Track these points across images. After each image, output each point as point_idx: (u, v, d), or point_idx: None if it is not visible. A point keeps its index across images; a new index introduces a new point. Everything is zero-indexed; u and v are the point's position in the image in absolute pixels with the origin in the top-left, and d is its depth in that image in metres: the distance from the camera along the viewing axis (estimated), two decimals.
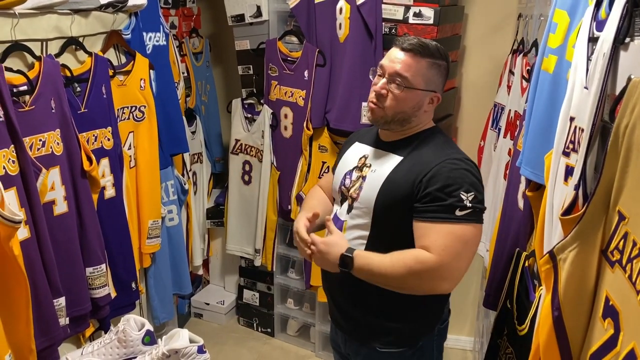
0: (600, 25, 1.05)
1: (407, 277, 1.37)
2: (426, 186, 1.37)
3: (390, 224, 1.46)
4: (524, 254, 1.59)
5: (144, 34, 2.20)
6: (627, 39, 0.89)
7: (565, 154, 1.13)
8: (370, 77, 1.51)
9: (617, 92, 0.91)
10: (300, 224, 1.55)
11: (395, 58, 1.43)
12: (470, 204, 1.35)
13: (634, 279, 0.73)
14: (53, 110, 1.62)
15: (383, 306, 1.51)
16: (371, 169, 1.51)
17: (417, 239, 1.39)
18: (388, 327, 1.53)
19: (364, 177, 1.51)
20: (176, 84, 2.56)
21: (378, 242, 1.47)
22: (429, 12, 2.21)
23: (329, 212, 1.70)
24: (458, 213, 1.35)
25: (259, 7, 2.59)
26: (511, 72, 2.23)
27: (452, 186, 1.35)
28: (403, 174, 1.43)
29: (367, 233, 1.49)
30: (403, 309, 1.50)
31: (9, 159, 1.43)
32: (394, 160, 1.47)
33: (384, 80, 1.44)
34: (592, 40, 1.08)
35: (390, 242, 1.44)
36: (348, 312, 1.60)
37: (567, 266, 0.89)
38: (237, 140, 2.84)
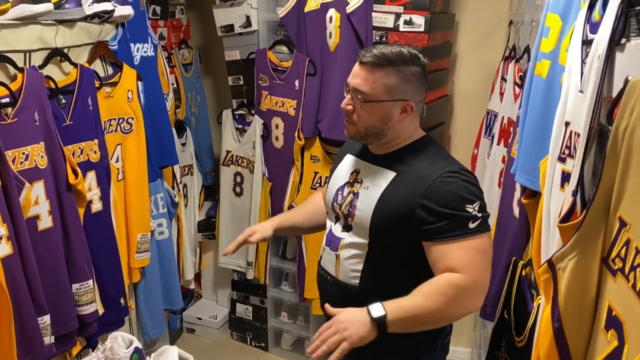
0: (594, 27, 1.03)
1: (447, 307, 1.30)
2: (429, 205, 1.32)
3: (387, 243, 1.41)
4: (521, 262, 1.56)
5: (132, 45, 2.17)
6: (623, 40, 0.87)
7: (561, 159, 1.10)
8: (345, 93, 1.45)
9: (614, 94, 0.88)
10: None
11: (354, 73, 1.39)
12: (480, 214, 1.32)
13: (638, 288, 0.70)
14: (37, 123, 1.59)
15: None
16: (363, 185, 1.46)
17: (437, 261, 1.33)
18: (390, 346, 1.46)
19: (355, 194, 1.46)
20: (165, 96, 2.53)
21: (376, 260, 1.42)
22: (419, 20, 2.20)
23: (314, 223, 1.71)
24: (471, 226, 1.30)
25: (248, 17, 2.57)
26: (503, 79, 2.22)
27: (457, 201, 1.31)
28: (398, 191, 1.38)
29: (364, 252, 1.43)
30: None
31: None
32: (387, 176, 1.42)
33: (349, 95, 1.41)
34: (586, 43, 1.06)
35: (388, 260, 1.39)
36: None
37: (567, 275, 0.85)
38: (228, 152, 2.80)
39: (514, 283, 1.56)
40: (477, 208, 1.31)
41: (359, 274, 1.45)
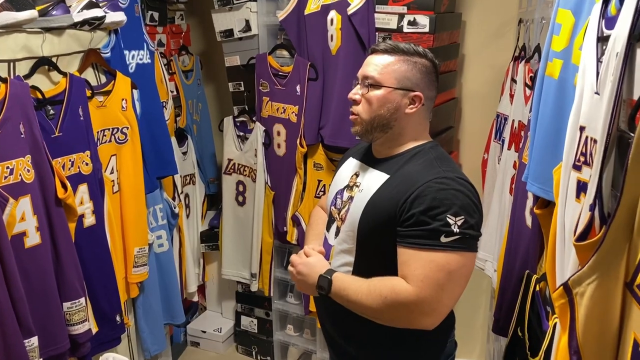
0: (611, 22, 0.94)
1: (383, 309, 1.24)
2: (410, 208, 1.24)
3: (375, 249, 1.34)
4: (534, 277, 1.46)
5: (127, 52, 2.11)
6: None
7: (576, 167, 1.01)
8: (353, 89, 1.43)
9: (635, 96, 0.79)
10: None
11: (365, 63, 1.39)
12: (459, 230, 1.20)
13: None
14: (22, 135, 1.51)
15: (376, 340, 1.39)
16: (360, 188, 1.39)
17: (399, 266, 1.26)
18: None
19: (351, 198, 1.40)
20: (164, 104, 2.46)
21: (363, 268, 1.35)
22: (424, 20, 2.11)
23: None
24: (443, 239, 1.20)
25: (247, 22, 2.50)
26: (513, 80, 2.13)
27: (438, 208, 1.21)
28: (387, 194, 1.31)
29: (352, 259, 1.37)
30: (398, 342, 1.37)
31: None
32: (380, 178, 1.35)
33: (358, 86, 1.39)
34: (602, 39, 0.97)
35: (376, 269, 1.31)
36: (340, 345, 1.48)
37: (586, 302, 0.76)
38: (229, 160, 2.72)
39: (528, 299, 1.46)
40: (459, 223, 1.21)
41: None
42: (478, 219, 1.26)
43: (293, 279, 1.46)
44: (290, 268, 1.46)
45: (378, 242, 1.32)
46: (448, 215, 1.20)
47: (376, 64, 1.35)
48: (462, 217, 1.21)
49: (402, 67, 1.34)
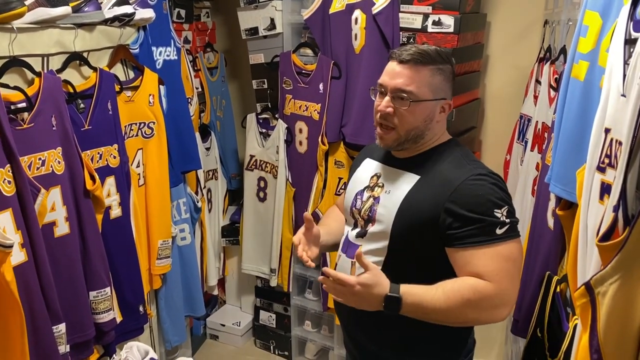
0: (639, 25, 0.94)
1: (466, 310, 1.24)
2: (454, 209, 1.26)
3: (409, 249, 1.34)
4: (555, 278, 1.46)
5: (154, 48, 2.15)
6: None
7: (600, 169, 1.01)
8: (372, 97, 1.41)
9: None
10: (296, 237, 1.48)
11: (395, 73, 1.33)
12: (508, 220, 1.25)
13: None
14: (54, 128, 1.56)
15: (399, 340, 1.40)
16: (385, 189, 1.40)
17: (462, 268, 1.27)
18: None
19: (375, 198, 1.40)
20: (189, 100, 2.50)
21: (393, 268, 1.34)
22: (449, 20, 2.11)
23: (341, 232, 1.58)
24: (499, 232, 1.24)
25: (272, 20, 2.52)
26: (538, 82, 2.12)
27: (485, 205, 1.25)
28: (423, 195, 1.32)
29: (382, 259, 1.37)
30: (421, 342, 1.38)
31: (4, 179, 1.36)
32: (411, 179, 1.36)
33: (387, 97, 1.33)
34: (630, 42, 0.97)
35: (407, 268, 1.33)
36: (362, 345, 1.49)
37: (608, 301, 0.76)
38: (251, 156, 2.76)
39: (548, 300, 1.46)
40: (505, 213, 1.25)
41: None
42: (513, 205, 1.30)
43: (342, 299, 1.27)
44: (337, 287, 1.24)
45: (413, 242, 1.33)
46: (495, 209, 1.24)
47: (410, 76, 1.31)
48: (506, 206, 1.26)
49: (436, 79, 1.33)
